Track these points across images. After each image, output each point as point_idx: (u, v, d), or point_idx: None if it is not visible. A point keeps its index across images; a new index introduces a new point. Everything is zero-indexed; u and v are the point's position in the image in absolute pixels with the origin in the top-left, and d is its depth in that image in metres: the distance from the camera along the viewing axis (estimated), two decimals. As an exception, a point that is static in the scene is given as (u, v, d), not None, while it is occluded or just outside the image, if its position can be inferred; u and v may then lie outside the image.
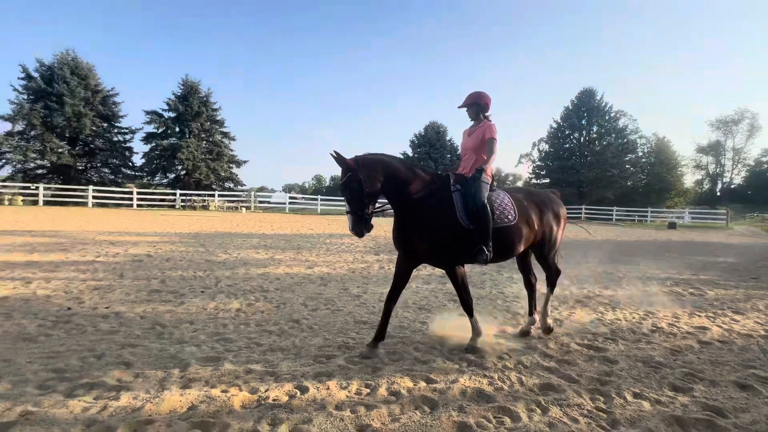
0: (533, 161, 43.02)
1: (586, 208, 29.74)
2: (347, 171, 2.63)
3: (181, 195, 25.37)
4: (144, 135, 31.60)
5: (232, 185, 34.75)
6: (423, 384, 2.44)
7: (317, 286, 5.12)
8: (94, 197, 22.92)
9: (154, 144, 31.44)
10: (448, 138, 41.02)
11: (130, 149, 31.51)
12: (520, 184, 55.87)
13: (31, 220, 12.99)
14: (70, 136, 27.97)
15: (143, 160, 31.66)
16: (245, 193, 29.69)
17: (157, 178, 32.52)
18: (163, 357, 2.72)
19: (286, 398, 2.21)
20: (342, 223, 16.42)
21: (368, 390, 2.34)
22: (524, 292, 3.69)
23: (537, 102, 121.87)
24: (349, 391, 2.31)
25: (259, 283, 5.15)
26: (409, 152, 40.59)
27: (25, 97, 27.16)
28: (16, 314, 3.55)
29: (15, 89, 27.10)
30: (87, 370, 2.47)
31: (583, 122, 39.76)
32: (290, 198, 29.66)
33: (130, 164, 31.66)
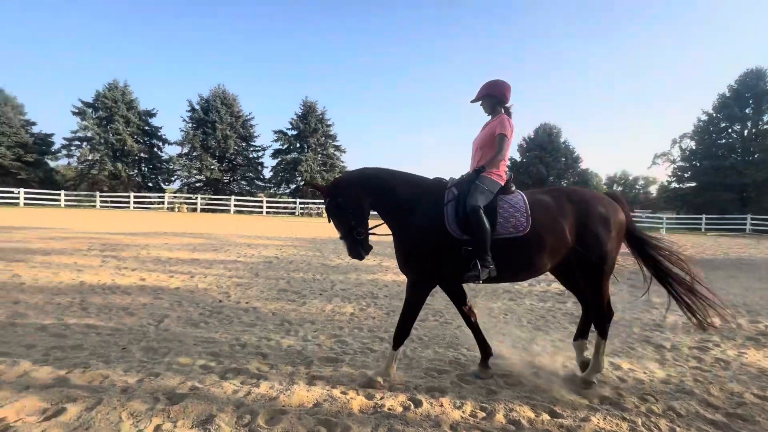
0: (673, 161, 36.21)
1: (752, 218, 23.78)
2: (325, 198, 2.55)
3: (300, 203, 28.45)
4: (272, 151, 36.59)
5: (342, 194, 37.56)
6: (546, 416, 2.21)
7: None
8: (234, 205, 27.32)
9: (279, 159, 36.07)
10: (562, 140, 37.45)
11: (261, 164, 36.79)
12: (654, 189, 47.62)
13: (192, 224, 16.09)
14: (219, 155, 33.96)
15: (271, 173, 36.61)
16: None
17: (281, 189, 37.16)
18: (292, 353, 3.04)
19: (400, 409, 2.24)
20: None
21: (484, 414, 2.22)
22: (671, 320, 3.06)
23: (674, 90, 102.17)
24: (463, 412, 2.23)
25: (370, 289, 5.39)
26: (517, 157, 38.22)
27: (190, 125, 33.99)
28: (185, 302, 4.38)
29: (183, 120, 34.28)
30: (234, 357, 2.90)
31: (747, 111, 31.96)
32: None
33: (261, 177, 36.90)
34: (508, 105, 2.74)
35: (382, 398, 2.34)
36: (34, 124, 32.02)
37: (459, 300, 2.74)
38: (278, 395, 2.33)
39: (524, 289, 5.70)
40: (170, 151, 34.55)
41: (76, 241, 9.16)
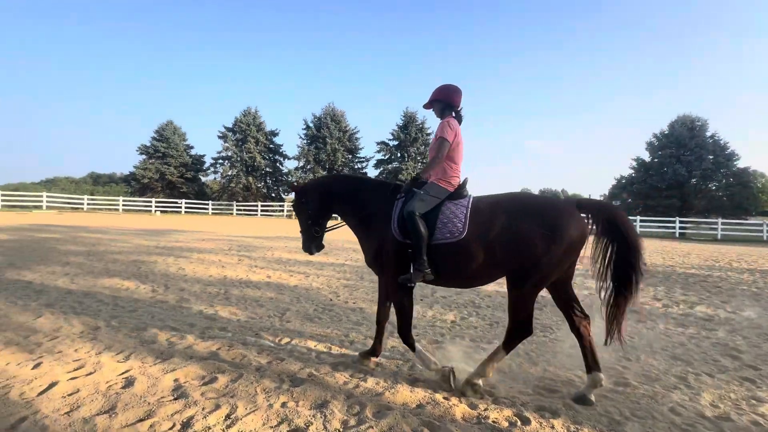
0: None
1: None
2: (294, 197, 2.94)
3: (400, 211, 29.32)
4: (375, 161, 38.59)
5: (441, 202, 37.64)
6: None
7: (536, 309, 4.80)
8: (341, 213, 29.56)
9: (382, 169, 37.84)
10: (708, 134, 30.99)
11: (365, 174, 39.11)
12: None
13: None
14: (328, 167, 37.21)
15: (374, 183, 38.60)
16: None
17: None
18: (395, 353, 3.17)
19: (506, 424, 2.15)
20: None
21: (604, 444, 1.99)
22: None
23: None
24: (579, 438, 2.03)
25: (471, 298, 5.28)
26: (646, 157, 32.91)
27: (305, 141, 38.05)
28: (302, 299, 4.92)
29: (300, 137, 38.57)
30: (344, 352, 3.16)
31: None
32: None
33: (365, 186, 39.21)
34: (458, 109, 2.78)
35: (486, 410, 2.28)
36: (192, 147, 39.73)
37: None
38: (384, 391, 2.46)
39: (658, 310, 4.89)
40: (289, 165, 39.17)
41: (221, 243, 11.03)
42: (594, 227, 2.37)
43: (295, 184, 3.04)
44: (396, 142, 37.95)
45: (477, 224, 2.42)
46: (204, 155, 39.93)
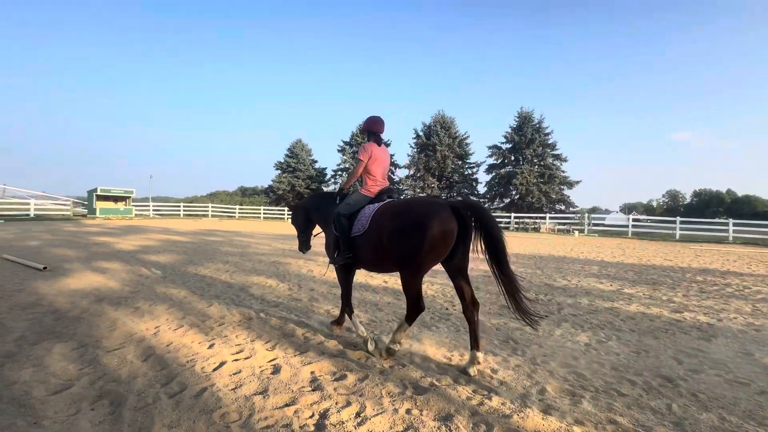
0: None
1: None
2: (292, 212, 4.20)
3: (515, 218, 27.48)
4: (486, 167, 37.12)
5: (563, 207, 34.01)
6: None
7: (694, 339, 3.92)
8: (451, 220, 29.17)
9: (494, 173, 36.17)
10: None
11: (476, 180, 37.90)
12: None
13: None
14: (438, 174, 37.30)
15: (485, 188, 37.08)
16: (577, 215, 28.02)
17: (495, 203, 37.02)
18: (521, 373, 2.93)
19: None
20: (723, 254, 11.99)
21: None
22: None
23: None
24: None
25: (608, 319, 4.59)
26: None
27: (415, 149, 38.91)
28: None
29: (410, 146, 39.61)
30: (463, 363, 3.06)
31: None
32: (633, 219, 25.05)
33: (476, 192, 37.92)
34: (379, 134, 3.62)
35: (641, 456, 1.92)
36: (316, 161, 44.45)
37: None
38: (512, 414, 2.29)
39: None
40: (400, 173, 40.60)
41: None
42: (472, 224, 2.80)
43: (292, 204, 4.46)
44: (509, 145, 35.89)
45: (376, 222, 3.04)
46: (326, 168, 44.23)
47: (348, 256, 3.24)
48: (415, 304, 2.90)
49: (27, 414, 2.24)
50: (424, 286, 6.22)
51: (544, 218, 27.26)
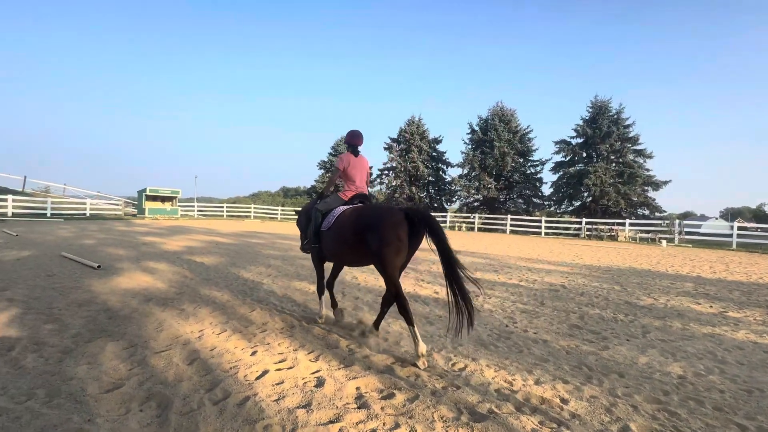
0: None
1: None
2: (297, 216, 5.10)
3: (586, 223, 25.95)
4: (552, 165, 35.44)
5: (646, 212, 31.55)
6: None
7: (825, 379, 3.43)
8: (510, 225, 28.23)
9: (561, 173, 34.46)
10: None
11: (540, 180, 36.32)
12: None
13: (471, 243, 17.82)
14: (496, 173, 36.29)
15: (551, 189, 35.44)
16: (665, 221, 25.79)
17: (562, 206, 35.23)
18: (598, 406, 2.75)
19: None
20: None
21: None
22: None
23: None
24: None
25: (708, 348, 4.16)
26: None
27: (470, 146, 38.20)
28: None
29: (464, 142, 38.94)
30: (527, 389, 2.92)
31: None
32: (738, 227, 22.54)
33: (540, 194, 36.37)
34: (356, 146, 4.51)
35: None
36: (361, 160, 45.17)
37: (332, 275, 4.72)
38: (587, 453, 2.15)
39: None
40: (452, 173, 40.10)
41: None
42: (423, 229, 3.48)
43: (299, 209, 5.18)
44: (580, 140, 34.02)
45: (339, 222, 3.89)
46: (371, 167, 44.80)
47: (314, 246, 4.21)
48: (398, 295, 3.47)
49: (82, 410, 2.48)
50: (479, 299, 6.06)
51: (622, 224, 25.46)
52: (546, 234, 26.84)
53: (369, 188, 4.97)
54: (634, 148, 32.12)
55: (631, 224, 25.40)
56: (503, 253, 13.45)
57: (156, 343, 3.65)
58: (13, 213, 22.86)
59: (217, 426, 2.34)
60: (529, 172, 36.70)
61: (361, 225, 3.60)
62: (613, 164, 32.02)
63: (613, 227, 25.22)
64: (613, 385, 3.11)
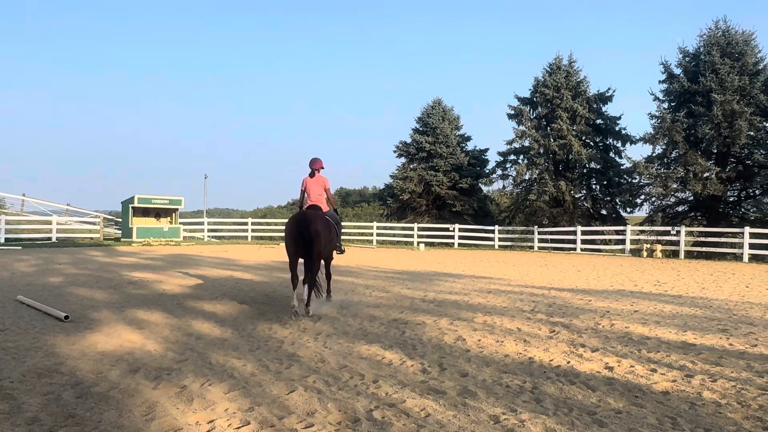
0: None
1: None
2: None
3: None
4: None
5: None
6: None
7: None
8: (750, 245, 25.89)
9: None
10: None
11: None
12: None
13: (673, 278, 16.69)
14: (718, 151, 33.57)
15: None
16: None
17: None
18: None
19: None
20: None
21: None
22: None
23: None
24: None
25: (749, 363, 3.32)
26: None
27: (666, 106, 35.93)
28: (681, 421, 4.45)
29: (655, 98, 36.51)
30: None
31: None
32: None
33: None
34: (315, 169, 10.83)
35: None
36: (468, 138, 45.37)
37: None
38: None
39: None
40: (633, 153, 38.00)
41: (517, 298, 11.83)
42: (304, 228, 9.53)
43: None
44: None
45: (290, 225, 10.04)
46: (487, 149, 44.81)
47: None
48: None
49: None
50: (673, 375, 5.59)
51: None
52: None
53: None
54: None
55: None
56: (736, 298, 12.37)
57: (144, 440, 3.91)
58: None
59: None
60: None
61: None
62: None
63: None
64: None
